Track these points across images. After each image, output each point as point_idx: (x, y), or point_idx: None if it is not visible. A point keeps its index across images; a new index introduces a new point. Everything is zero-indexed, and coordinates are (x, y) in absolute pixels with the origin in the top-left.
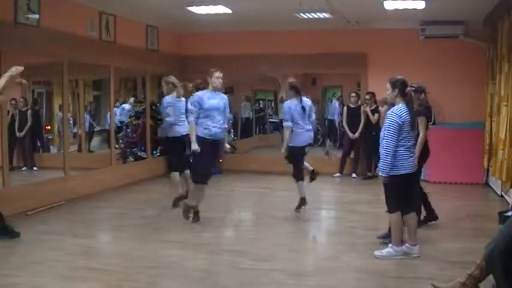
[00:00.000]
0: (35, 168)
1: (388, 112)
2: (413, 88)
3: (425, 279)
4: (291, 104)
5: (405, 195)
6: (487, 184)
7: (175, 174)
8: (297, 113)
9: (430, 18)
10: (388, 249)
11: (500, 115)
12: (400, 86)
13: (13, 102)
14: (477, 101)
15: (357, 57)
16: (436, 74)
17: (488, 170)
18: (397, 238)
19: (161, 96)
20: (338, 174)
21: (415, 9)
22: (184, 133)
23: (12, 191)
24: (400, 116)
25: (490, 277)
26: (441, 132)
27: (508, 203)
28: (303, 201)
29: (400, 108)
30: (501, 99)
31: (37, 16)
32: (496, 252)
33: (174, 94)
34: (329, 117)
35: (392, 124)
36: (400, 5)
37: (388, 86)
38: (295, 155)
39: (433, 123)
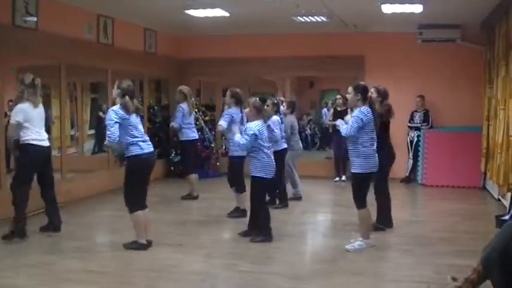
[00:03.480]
0: None
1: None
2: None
3: (423, 283)
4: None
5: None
6: (484, 188)
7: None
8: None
9: (428, 22)
10: (359, 243)
11: (497, 119)
12: (362, 92)
13: (11, 103)
14: (474, 104)
15: (354, 60)
16: (433, 78)
17: (485, 174)
18: (367, 232)
19: (158, 101)
20: (337, 178)
21: (412, 12)
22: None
23: (9, 193)
24: (366, 114)
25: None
26: (438, 136)
27: (505, 207)
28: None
29: (366, 108)
30: (498, 102)
31: (35, 19)
32: (493, 256)
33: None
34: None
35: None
36: (398, 9)
37: (351, 90)
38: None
39: (431, 127)
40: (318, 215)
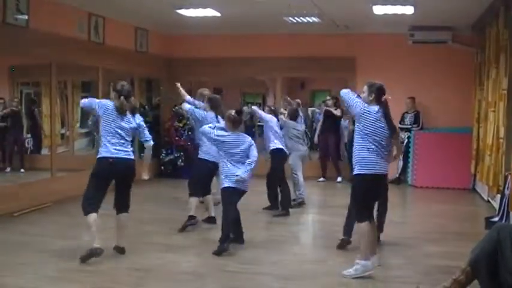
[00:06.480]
0: (21, 170)
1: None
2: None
3: (411, 283)
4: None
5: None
6: (474, 189)
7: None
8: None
9: (419, 24)
10: (356, 267)
11: (487, 121)
12: (376, 92)
13: (1, 101)
14: (465, 106)
15: (345, 61)
16: (424, 79)
17: (475, 175)
18: (367, 251)
19: (149, 100)
20: (322, 178)
21: (404, 14)
22: None
23: None
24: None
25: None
26: (429, 137)
27: (495, 209)
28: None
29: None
30: (488, 105)
31: (26, 17)
32: (481, 257)
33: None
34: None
35: None
36: (389, 10)
37: (366, 88)
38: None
39: (421, 128)
40: (306, 216)
